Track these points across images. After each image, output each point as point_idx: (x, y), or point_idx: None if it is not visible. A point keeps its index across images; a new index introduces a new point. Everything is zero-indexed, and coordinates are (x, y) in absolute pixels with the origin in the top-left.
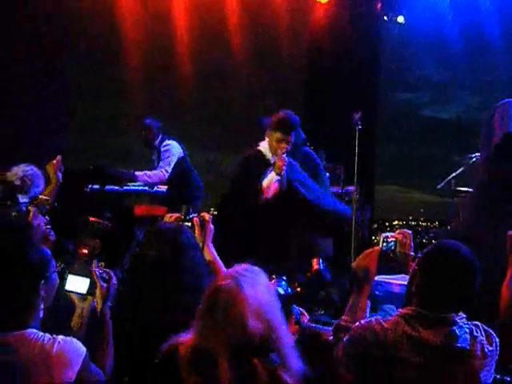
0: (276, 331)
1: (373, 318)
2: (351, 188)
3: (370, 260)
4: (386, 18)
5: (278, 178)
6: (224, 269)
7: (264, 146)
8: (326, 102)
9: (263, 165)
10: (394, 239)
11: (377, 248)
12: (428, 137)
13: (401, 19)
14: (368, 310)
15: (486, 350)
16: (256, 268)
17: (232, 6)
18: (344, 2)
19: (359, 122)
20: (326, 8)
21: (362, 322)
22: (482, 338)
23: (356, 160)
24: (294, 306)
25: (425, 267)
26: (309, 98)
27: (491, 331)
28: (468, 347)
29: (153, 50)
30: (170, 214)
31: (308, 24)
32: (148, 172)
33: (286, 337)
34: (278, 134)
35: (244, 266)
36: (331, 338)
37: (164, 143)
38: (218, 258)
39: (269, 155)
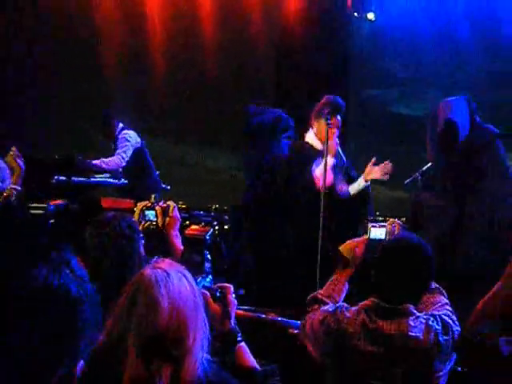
0: (190, 332)
1: (339, 306)
2: None
3: (357, 247)
4: (356, 14)
5: (334, 160)
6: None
7: (310, 137)
8: (295, 97)
9: (313, 156)
10: (383, 229)
11: (365, 236)
12: (396, 133)
13: (371, 16)
14: (344, 293)
15: (440, 339)
16: (181, 266)
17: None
18: None
19: (329, 118)
20: (297, 3)
21: (331, 308)
22: (438, 328)
23: (325, 155)
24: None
25: (381, 260)
26: (278, 94)
27: (449, 321)
28: (421, 336)
29: (124, 40)
30: (139, 203)
31: (279, 18)
32: (105, 159)
33: (201, 341)
34: (330, 119)
35: (169, 261)
36: (296, 331)
37: (122, 132)
38: (180, 248)
39: (318, 145)
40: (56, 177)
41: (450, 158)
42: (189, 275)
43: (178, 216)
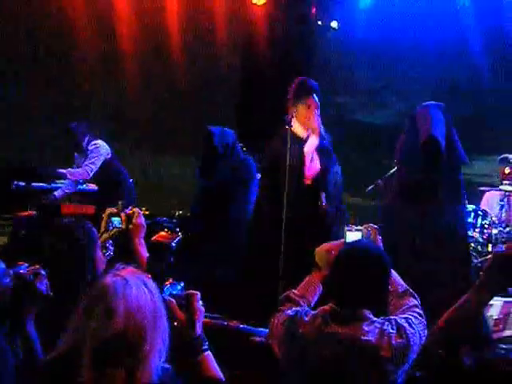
0: (146, 341)
1: (299, 310)
2: None
3: (334, 250)
4: (319, 22)
5: (318, 140)
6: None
7: (293, 126)
8: (259, 104)
9: (297, 143)
10: (359, 232)
11: (342, 240)
12: (358, 141)
13: (334, 24)
14: (317, 295)
15: (393, 342)
16: (142, 274)
17: (171, 7)
18: (280, 4)
19: (291, 124)
20: (262, 10)
21: (292, 312)
22: (392, 331)
23: (288, 162)
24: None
25: (335, 267)
26: (243, 101)
27: (405, 324)
28: (373, 341)
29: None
30: (107, 209)
31: (244, 26)
32: (71, 170)
33: (158, 349)
34: (306, 101)
35: (130, 269)
36: (259, 339)
37: (92, 143)
38: (145, 255)
39: (301, 132)
40: (15, 182)
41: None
42: (149, 283)
43: (143, 223)
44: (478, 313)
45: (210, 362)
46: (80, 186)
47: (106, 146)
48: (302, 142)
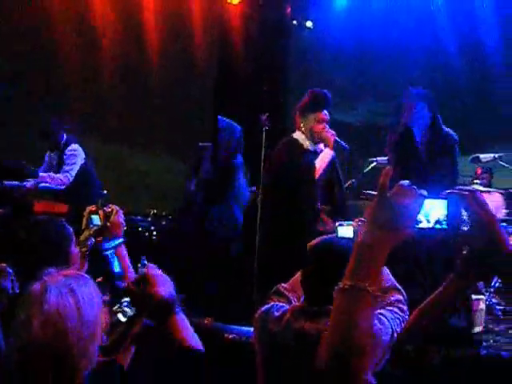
0: (72, 343)
1: (273, 305)
2: (254, 188)
3: None
4: (295, 22)
5: (332, 153)
6: (131, 268)
7: (298, 136)
8: (235, 103)
9: (301, 153)
10: (350, 227)
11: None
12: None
13: (309, 24)
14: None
15: (374, 328)
16: (76, 276)
17: (147, 5)
18: (254, 4)
19: (266, 123)
20: (237, 9)
21: (267, 307)
22: None
23: (262, 160)
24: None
25: (303, 264)
26: (218, 99)
27: (378, 313)
28: None
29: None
30: (88, 207)
31: (219, 25)
32: (52, 174)
33: (86, 351)
34: (318, 114)
35: (64, 272)
36: (231, 336)
37: (69, 148)
38: (124, 254)
39: (306, 143)
40: None
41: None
42: (80, 287)
43: (122, 221)
44: (453, 305)
45: (179, 325)
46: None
47: (82, 152)
48: (310, 154)
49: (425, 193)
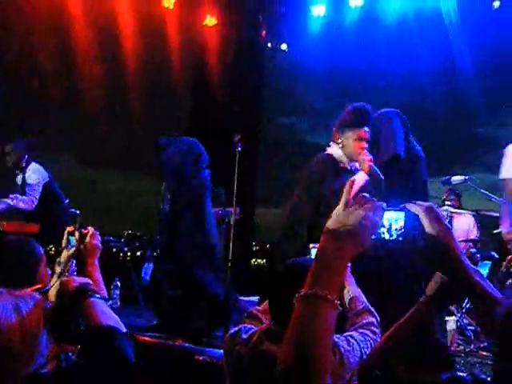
0: (16, 358)
1: (242, 327)
2: (231, 209)
3: None
4: (269, 45)
5: (367, 177)
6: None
7: (335, 151)
8: (209, 124)
9: (337, 171)
10: None
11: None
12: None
13: (284, 47)
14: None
15: (341, 349)
16: (36, 298)
17: (125, 27)
18: (230, 26)
19: (239, 145)
20: (213, 32)
21: (235, 329)
22: (341, 343)
23: (235, 182)
24: None
25: (267, 286)
26: (193, 119)
27: (341, 343)
28: None
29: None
30: (68, 228)
31: (195, 47)
32: (19, 196)
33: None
34: (358, 132)
35: (25, 292)
36: (201, 358)
37: (30, 168)
38: (100, 279)
39: (344, 160)
40: None
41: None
42: (27, 305)
43: (98, 243)
44: (425, 328)
45: (93, 308)
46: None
47: (44, 171)
48: (345, 172)
49: (384, 205)
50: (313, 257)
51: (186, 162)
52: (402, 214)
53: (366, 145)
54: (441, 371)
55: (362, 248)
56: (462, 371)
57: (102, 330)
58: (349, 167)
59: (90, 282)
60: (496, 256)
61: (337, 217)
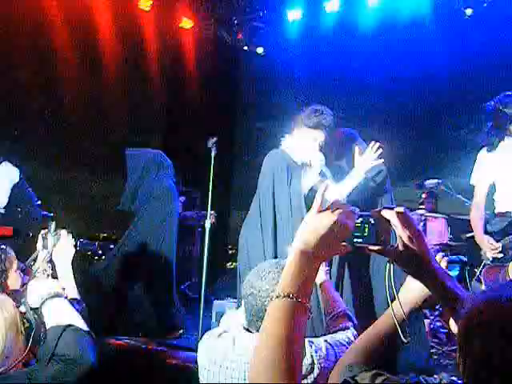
0: None
1: (215, 329)
2: (205, 212)
3: None
4: (246, 48)
5: (315, 180)
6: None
7: (289, 146)
8: (184, 127)
9: (288, 166)
10: None
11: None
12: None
13: (260, 50)
14: None
15: (316, 354)
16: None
17: (103, 30)
18: (206, 30)
19: (214, 148)
20: (189, 34)
21: (209, 332)
22: (315, 348)
23: (210, 185)
24: None
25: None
26: (168, 123)
27: (308, 346)
28: None
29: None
30: (43, 230)
31: (172, 49)
32: None
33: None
34: (314, 133)
35: None
36: (174, 361)
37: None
38: (71, 280)
39: (295, 156)
40: None
41: None
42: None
43: (71, 246)
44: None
45: (58, 309)
46: None
47: (12, 171)
48: (295, 168)
49: (357, 210)
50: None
51: (149, 168)
52: (372, 219)
53: (318, 146)
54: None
55: (334, 252)
56: (436, 373)
57: (65, 329)
58: (299, 163)
59: (59, 283)
60: (464, 259)
61: (309, 221)
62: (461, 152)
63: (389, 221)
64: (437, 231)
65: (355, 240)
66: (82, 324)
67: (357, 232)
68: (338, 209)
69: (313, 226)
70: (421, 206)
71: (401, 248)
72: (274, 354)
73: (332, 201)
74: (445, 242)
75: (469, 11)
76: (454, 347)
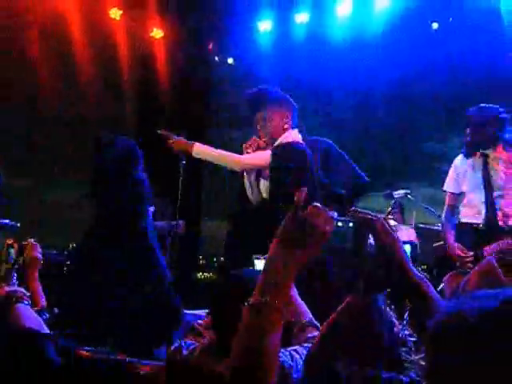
0: None
1: (182, 343)
2: (175, 222)
3: None
4: (216, 58)
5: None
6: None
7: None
8: (155, 136)
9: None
10: None
11: None
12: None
13: (231, 61)
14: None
15: (285, 364)
16: None
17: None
18: (177, 39)
19: (183, 157)
20: (159, 44)
21: (177, 344)
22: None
23: (179, 194)
24: None
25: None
26: (139, 132)
27: (282, 356)
28: None
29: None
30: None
31: (142, 60)
32: None
33: None
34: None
35: None
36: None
37: None
38: (39, 291)
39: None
40: None
41: None
42: None
43: (38, 256)
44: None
45: (20, 314)
46: None
47: None
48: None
49: (335, 214)
50: (257, 268)
51: (131, 159)
52: (350, 224)
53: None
54: (388, 371)
55: (311, 257)
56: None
57: (25, 333)
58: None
59: (21, 290)
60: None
61: (286, 225)
62: (432, 163)
63: (367, 226)
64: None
65: (333, 244)
66: (44, 328)
67: (335, 236)
68: (316, 213)
69: (290, 230)
70: (389, 216)
71: (378, 253)
72: (249, 365)
73: (314, 204)
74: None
75: (435, 25)
76: (422, 355)
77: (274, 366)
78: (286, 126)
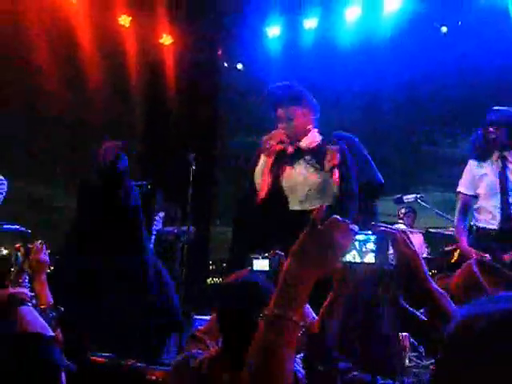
0: None
1: (188, 354)
2: (185, 228)
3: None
4: (226, 64)
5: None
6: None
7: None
8: (165, 142)
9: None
10: (266, 260)
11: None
12: None
13: (240, 66)
14: None
15: (299, 374)
16: None
17: (84, 43)
18: (186, 46)
19: (193, 163)
20: (169, 50)
21: (182, 356)
22: (298, 367)
23: (189, 200)
24: None
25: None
26: (149, 138)
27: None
28: None
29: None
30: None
31: (152, 65)
32: None
33: None
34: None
35: None
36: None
37: None
38: (44, 291)
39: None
40: None
41: None
42: None
43: (44, 259)
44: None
45: (25, 316)
46: None
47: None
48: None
49: (356, 228)
50: (255, 268)
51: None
52: (372, 238)
53: (283, 125)
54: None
55: (329, 271)
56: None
57: (29, 336)
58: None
59: (25, 291)
60: None
61: (305, 238)
62: (441, 166)
63: (387, 239)
64: (416, 245)
65: (352, 258)
66: (48, 330)
67: (355, 249)
68: (337, 226)
69: (308, 243)
70: (399, 221)
71: (399, 266)
72: (265, 378)
73: (333, 217)
74: (425, 256)
75: (444, 29)
76: (433, 360)
77: (290, 379)
78: (309, 127)
